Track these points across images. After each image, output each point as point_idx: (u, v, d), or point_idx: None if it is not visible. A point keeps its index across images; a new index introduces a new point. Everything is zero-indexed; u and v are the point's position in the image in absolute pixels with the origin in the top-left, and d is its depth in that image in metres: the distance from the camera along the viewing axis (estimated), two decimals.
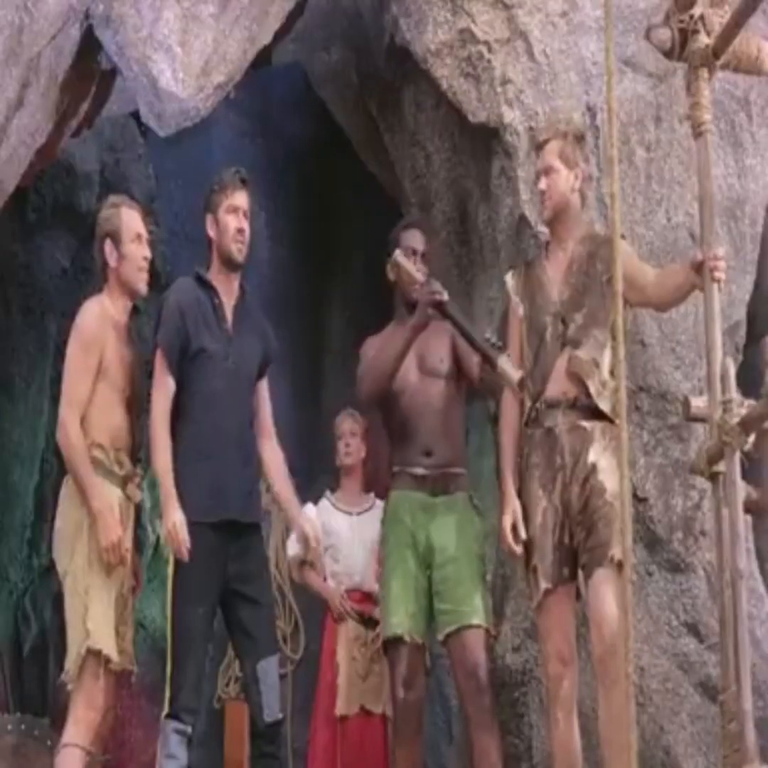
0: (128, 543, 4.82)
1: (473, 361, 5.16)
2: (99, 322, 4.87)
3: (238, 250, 5.01)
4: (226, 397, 4.90)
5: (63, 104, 5.37)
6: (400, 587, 5.00)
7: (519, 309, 4.92)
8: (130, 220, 4.98)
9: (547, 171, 4.88)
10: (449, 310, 5.06)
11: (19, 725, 6.36)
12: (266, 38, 5.43)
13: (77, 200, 7.77)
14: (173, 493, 4.74)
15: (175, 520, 4.70)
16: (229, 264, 5.02)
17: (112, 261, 4.95)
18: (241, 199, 5.02)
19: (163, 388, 4.87)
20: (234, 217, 5.00)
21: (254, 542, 4.96)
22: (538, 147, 4.96)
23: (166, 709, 4.72)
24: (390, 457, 5.25)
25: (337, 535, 5.84)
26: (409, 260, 5.18)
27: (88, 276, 7.47)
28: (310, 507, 5.98)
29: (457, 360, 5.22)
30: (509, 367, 4.86)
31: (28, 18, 5.03)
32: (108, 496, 4.74)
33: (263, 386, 5.10)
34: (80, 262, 7.72)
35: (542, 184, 4.89)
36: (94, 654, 4.65)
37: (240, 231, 5.00)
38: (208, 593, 4.79)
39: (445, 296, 5.04)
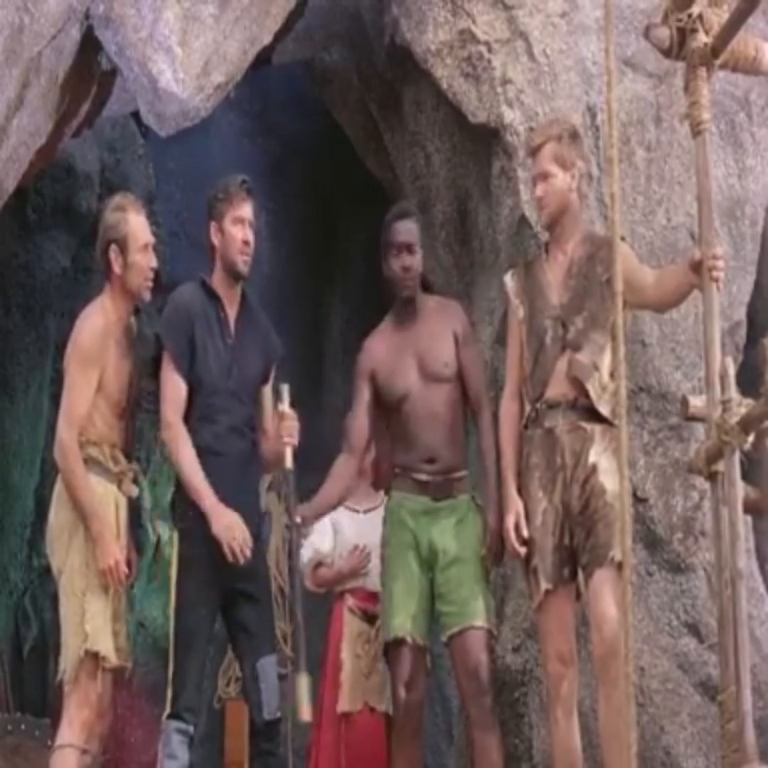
0: (124, 539, 4.83)
1: (475, 373, 5.12)
2: (100, 338, 4.83)
3: (243, 263, 4.97)
4: (226, 415, 4.90)
5: (63, 104, 5.37)
6: (402, 589, 4.99)
7: (518, 311, 4.89)
8: (137, 228, 4.94)
9: (543, 176, 4.82)
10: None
11: (19, 725, 6.37)
12: (266, 38, 5.43)
13: (77, 200, 7.78)
14: (213, 498, 4.73)
15: (229, 521, 4.71)
16: (234, 275, 5.00)
17: (116, 268, 4.91)
18: (246, 209, 4.99)
19: (174, 395, 4.84)
20: (240, 229, 4.97)
21: (254, 542, 4.95)
22: (532, 152, 4.88)
23: (168, 710, 4.73)
24: (391, 457, 5.22)
25: (343, 533, 5.84)
26: (400, 256, 5.09)
27: (88, 276, 7.50)
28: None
29: (459, 365, 5.11)
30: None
31: (28, 18, 5.02)
32: (106, 515, 4.75)
33: (267, 391, 5.09)
34: (80, 262, 7.73)
35: (539, 190, 4.84)
36: (91, 655, 4.66)
37: (246, 243, 4.98)
38: (211, 594, 4.80)
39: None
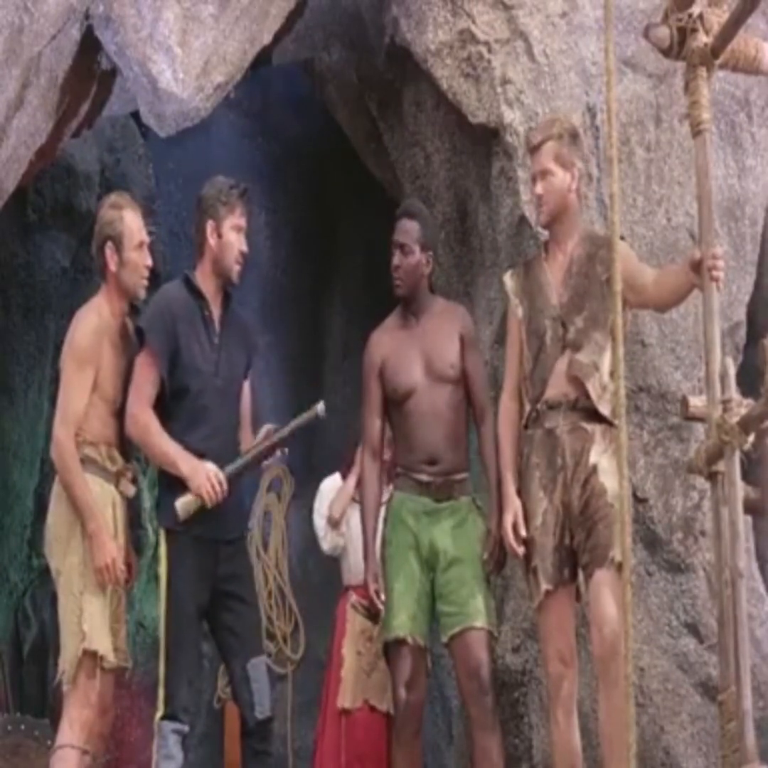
0: (122, 539, 4.83)
1: (478, 381, 5.11)
2: (95, 336, 4.84)
3: (237, 272, 5.01)
4: (215, 414, 4.91)
5: (63, 104, 5.37)
6: (403, 589, 4.98)
7: (518, 310, 4.89)
8: (133, 226, 4.95)
9: (543, 174, 4.82)
10: None
11: (19, 725, 6.36)
12: (266, 38, 5.43)
13: (77, 200, 7.79)
14: (192, 461, 4.77)
15: (202, 476, 4.74)
16: (224, 280, 5.01)
17: (112, 265, 4.94)
18: (244, 219, 5.02)
19: (145, 390, 4.83)
20: (238, 238, 4.99)
21: (242, 546, 5.04)
22: (533, 150, 4.87)
23: (162, 710, 4.72)
24: (393, 456, 5.22)
25: (350, 527, 5.84)
26: (394, 254, 5.13)
27: (88, 276, 7.50)
28: (333, 480, 5.97)
29: (464, 369, 5.11)
30: None
31: (28, 18, 5.02)
32: (103, 515, 4.75)
33: (246, 387, 5.10)
34: (80, 262, 7.73)
35: (538, 188, 4.83)
36: (90, 655, 4.66)
37: (243, 254, 5.01)
38: (201, 593, 4.80)
39: None
